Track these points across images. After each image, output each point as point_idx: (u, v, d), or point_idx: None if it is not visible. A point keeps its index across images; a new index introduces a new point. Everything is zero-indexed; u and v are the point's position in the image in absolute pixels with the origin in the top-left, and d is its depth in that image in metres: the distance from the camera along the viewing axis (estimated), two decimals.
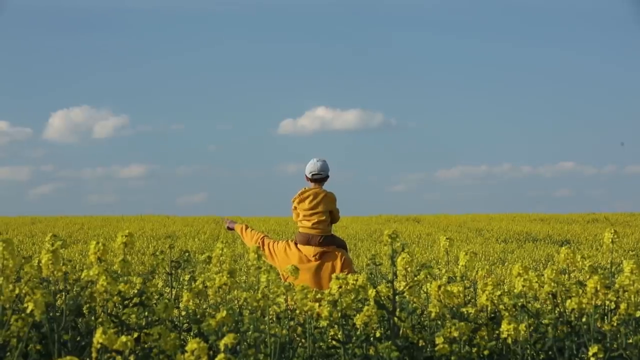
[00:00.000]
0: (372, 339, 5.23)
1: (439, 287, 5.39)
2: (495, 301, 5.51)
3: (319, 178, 8.64)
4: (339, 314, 5.16)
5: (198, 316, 5.65)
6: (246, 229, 8.94)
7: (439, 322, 5.41)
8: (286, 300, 5.22)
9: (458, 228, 43.24)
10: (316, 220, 8.45)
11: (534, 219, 47.83)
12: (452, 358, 5.12)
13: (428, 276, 5.54)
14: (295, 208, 8.59)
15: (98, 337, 4.47)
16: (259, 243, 8.68)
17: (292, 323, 5.21)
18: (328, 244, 8.43)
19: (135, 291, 5.26)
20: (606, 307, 5.42)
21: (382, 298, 5.33)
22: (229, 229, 9.17)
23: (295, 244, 8.49)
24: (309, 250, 8.38)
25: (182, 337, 5.54)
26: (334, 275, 5.25)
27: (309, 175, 8.65)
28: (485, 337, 5.30)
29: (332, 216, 8.61)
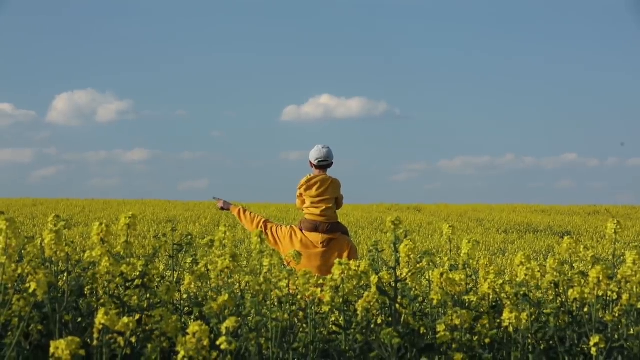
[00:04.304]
0: (373, 325, 5.23)
1: (441, 274, 5.38)
2: (497, 290, 5.51)
3: (325, 164, 8.62)
4: (341, 300, 5.16)
5: (200, 299, 5.66)
6: (244, 211, 8.86)
7: (441, 310, 5.40)
8: (288, 285, 5.22)
9: (459, 218, 43.26)
10: (324, 207, 8.42)
11: (535, 210, 47.86)
12: (454, 346, 5.12)
13: (430, 264, 5.54)
14: (301, 195, 8.54)
15: (100, 318, 4.47)
16: (261, 227, 8.62)
17: (293, 308, 5.21)
18: (334, 230, 8.41)
19: (137, 273, 5.25)
20: (608, 298, 5.42)
21: (384, 285, 5.33)
22: (223, 209, 9.11)
23: (301, 230, 8.45)
24: (316, 237, 8.35)
25: (183, 320, 5.55)
26: (336, 261, 5.24)
27: (315, 162, 8.60)
28: (487, 326, 5.30)
29: (337, 202, 8.60)
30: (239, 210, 8.87)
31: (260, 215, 8.82)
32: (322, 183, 8.47)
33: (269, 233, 8.55)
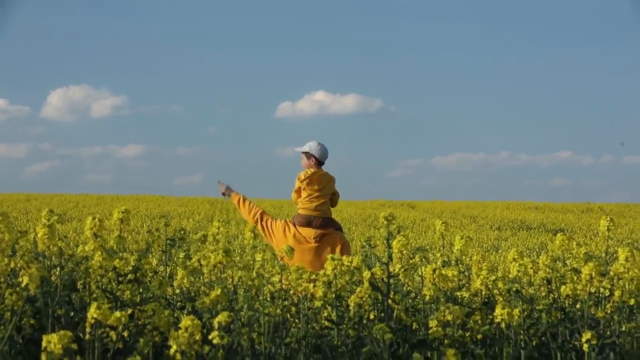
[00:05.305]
0: (365, 320, 5.24)
1: (434, 270, 5.39)
2: (490, 286, 5.51)
3: (324, 161, 8.66)
4: (334, 295, 5.16)
5: (192, 294, 5.66)
6: (244, 201, 8.84)
7: (433, 306, 5.41)
8: (280, 281, 5.22)
9: (452, 214, 43.31)
10: (321, 202, 8.42)
11: (529, 207, 47.93)
12: (446, 341, 5.13)
13: (423, 260, 5.54)
14: (299, 189, 8.50)
15: (92, 312, 4.47)
16: (257, 218, 8.64)
17: (286, 303, 5.22)
18: (328, 226, 8.41)
19: (130, 268, 5.25)
20: (600, 295, 5.43)
21: (377, 280, 5.33)
22: (224, 194, 9.06)
23: (294, 224, 8.44)
24: (309, 232, 8.34)
25: (175, 315, 5.54)
26: (329, 256, 5.24)
27: (322, 159, 8.61)
28: (479, 322, 5.31)
29: (333, 199, 8.60)
30: (239, 198, 8.86)
31: (259, 207, 8.79)
32: (323, 178, 8.48)
33: (264, 225, 8.55)
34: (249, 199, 8.85)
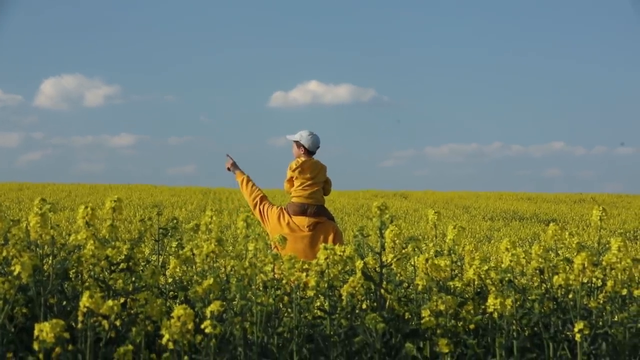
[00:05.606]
0: (358, 310, 5.24)
1: (427, 260, 5.39)
2: (482, 276, 5.52)
3: (315, 150, 8.68)
4: (326, 285, 5.16)
5: (185, 283, 5.65)
6: (247, 182, 8.86)
7: (426, 296, 5.41)
8: (273, 270, 5.22)
9: (445, 205, 43.34)
10: (315, 189, 8.44)
11: (521, 198, 47.98)
12: (438, 331, 5.13)
13: (415, 249, 5.54)
14: (292, 178, 8.51)
15: (85, 301, 4.46)
16: (256, 201, 8.67)
17: (278, 292, 5.21)
18: (321, 214, 8.43)
19: (123, 257, 5.24)
20: (593, 285, 5.43)
21: (369, 270, 5.33)
22: (229, 170, 9.04)
23: (288, 213, 8.45)
24: (303, 221, 8.36)
25: (168, 304, 5.54)
26: (321, 246, 5.24)
27: (311, 148, 8.63)
28: (472, 312, 5.31)
29: (326, 187, 8.61)
30: (244, 179, 8.87)
31: (260, 191, 8.79)
32: (314, 166, 8.50)
33: (261, 209, 8.58)
34: (252, 181, 8.85)
